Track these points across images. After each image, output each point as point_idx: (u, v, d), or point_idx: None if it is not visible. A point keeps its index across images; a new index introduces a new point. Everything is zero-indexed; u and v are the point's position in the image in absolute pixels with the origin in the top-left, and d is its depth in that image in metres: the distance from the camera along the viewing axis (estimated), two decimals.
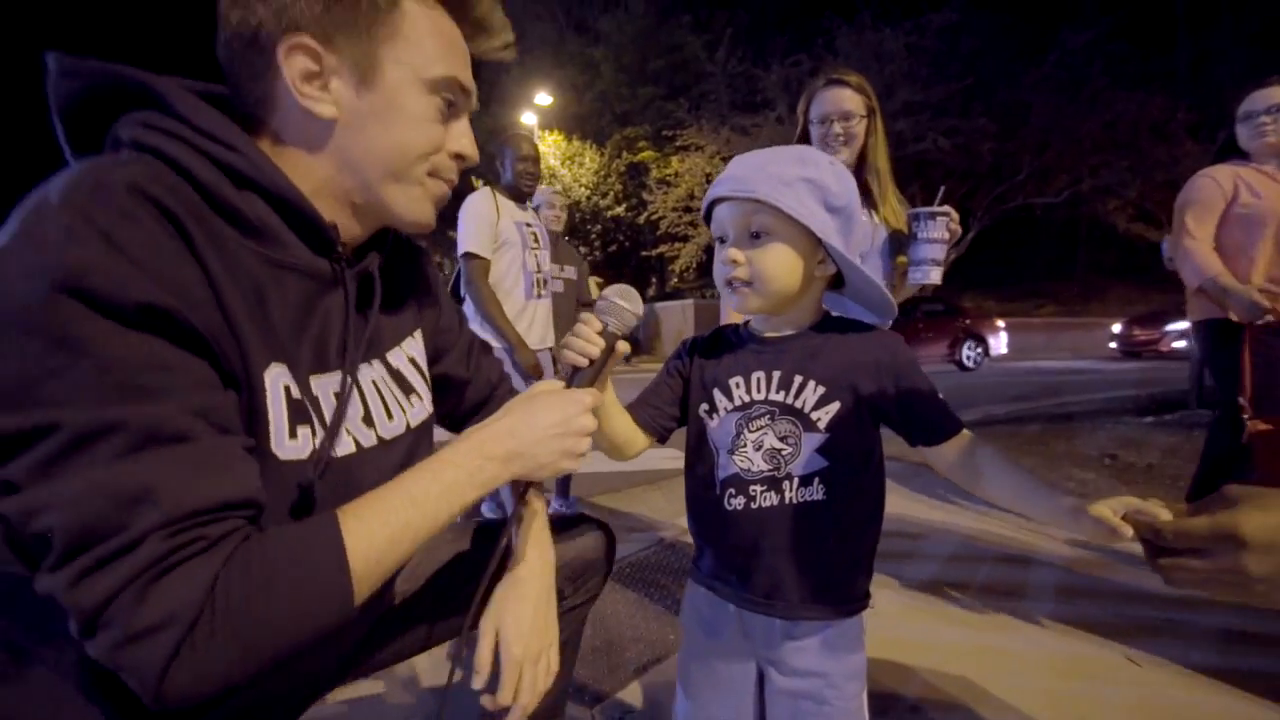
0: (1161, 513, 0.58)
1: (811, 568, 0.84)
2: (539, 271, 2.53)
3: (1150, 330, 11.86)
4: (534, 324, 2.50)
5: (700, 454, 0.91)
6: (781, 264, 0.82)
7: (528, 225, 2.51)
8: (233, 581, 0.49)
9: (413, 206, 0.68)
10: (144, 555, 0.46)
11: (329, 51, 0.60)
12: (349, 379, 0.66)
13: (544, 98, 17.82)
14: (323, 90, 0.61)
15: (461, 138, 0.69)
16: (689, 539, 2.56)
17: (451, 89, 0.66)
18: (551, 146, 18.78)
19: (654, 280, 20.41)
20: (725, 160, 14.12)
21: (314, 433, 0.61)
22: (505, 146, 2.53)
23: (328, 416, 0.63)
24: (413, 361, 0.79)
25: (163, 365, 0.48)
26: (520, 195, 2.53)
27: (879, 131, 1.60)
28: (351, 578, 0.54)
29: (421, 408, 0.79)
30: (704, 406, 0.90)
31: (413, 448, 0.75)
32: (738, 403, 0.87)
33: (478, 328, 2.34)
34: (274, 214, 0.59)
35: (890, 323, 1.28)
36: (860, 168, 1.60)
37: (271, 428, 0.58)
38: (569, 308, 2.95)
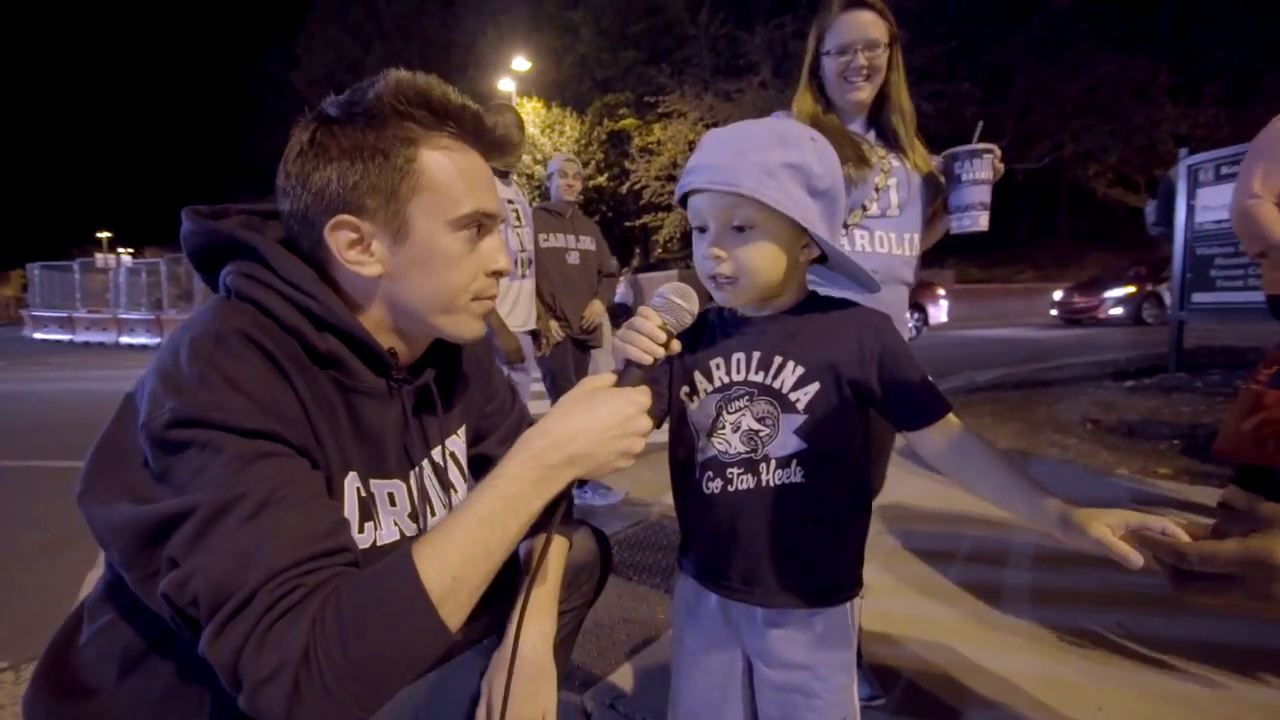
0: (1180, 534, 0.55)
1: (790, 554, 0.82)
2: (523, 250, 2.46)
3: (1089, 297, 11.76)
4: (518, 305, 2.44)
5: (681, 437, 0.89)
6: (767, 258, 0.79)
7: (510, 202, 2.42)
8: (327, 624, 0.55)
9: (461, 329, 0.77)
10: (257, 608, 0.54)
11: (365, 220, 0.70)
12: (407, 485, 0.78)
13: (521, 63, 17.27)
14: (365, 254, 0.71)
15: (496, 255, 0.77)
16: (669, 516, 2.64)
17: (477, 219, 0.74)
18: (531, 114, 18.31)
19: (637, 251, 20.21)
20: (708, 127, 13.94)
21: (377, 527, 0.74)
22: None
23: (381, 517, 0.75)
24: (453, 456, 0.87)
25: (273, 454, 0.61)
26: (503, 170, 2.43)
27: (900, 64, 1.39)
28: (432, 601, 0.58)
29: (458, 500, 0.85)
30: (685, 389, 0.88)
31: None
32: (717, 384, 0.85)
33: None
34: (344, 347, 0.71)
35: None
36: (882, 107, 1.41)
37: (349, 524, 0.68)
38: (588, 279, 2.86)
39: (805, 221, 0.77)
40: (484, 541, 0.63)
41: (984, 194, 1.36)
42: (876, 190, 1.36)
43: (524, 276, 2.47)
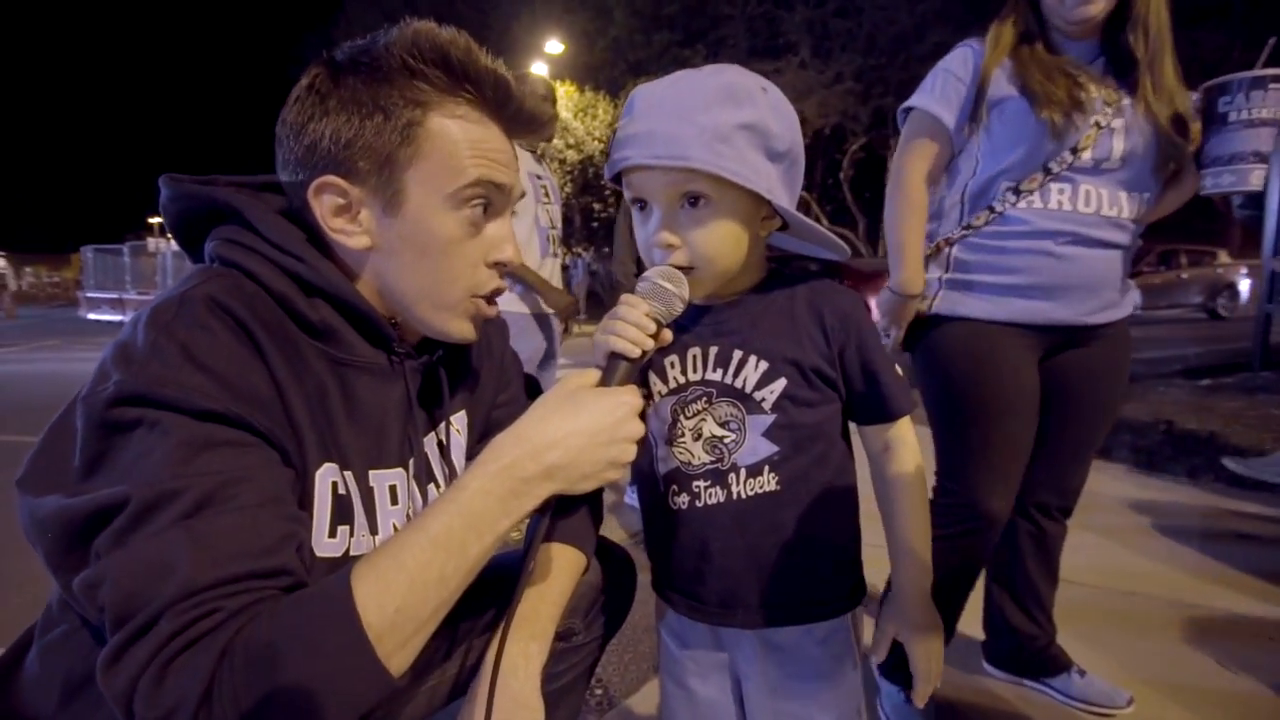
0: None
1: (772, 569, 0.75)
2: (553, 227, 2.39)
3: (1159, 287, 11.34)
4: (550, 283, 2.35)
5: (643, 448, 0.77)
6: (727, 239, 0.69)
7: (539, 178, 2.34)
8: (237, 659, 0.45)
9: (449, 327, 0.68)
10: (162, 632, 0.45)
11: (354, 184, 0.62)
12: (408, 474, 0.69)
13: (555, 45, 17.17)
14: (352, 222, 0.63)
15: (501, 244, 0.67)
16: None
17: (483, 190, 0.64)
18: (564, 98, 18.13)
19: None
20: None
21: (351, 533, 0.63)
22: None
23: (378, 511, 0.66)
24: (441, 447, 0.76)
25: (226, 443, 0.52)
26: (530, 148, 2.36)
27: None
28: (367, 636, 0.48)
29: (429, 498, 0.73)
30: (640, 392, 0.75)
31: None
32: (673, 385, 0.77)
33: None
34: (338, 316, 0.63)
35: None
36: (1120, 26, 1.10)
37: (314, 525, 0.60)
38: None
39: (768, 193, 0.67)
40: (437, 565, 0.52)
41: (1263, 139, 1.04)
42: (1097, 128, 1.12)
43: (554, 255, 2.38)
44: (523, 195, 0.73)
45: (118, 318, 15.77)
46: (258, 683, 0.45)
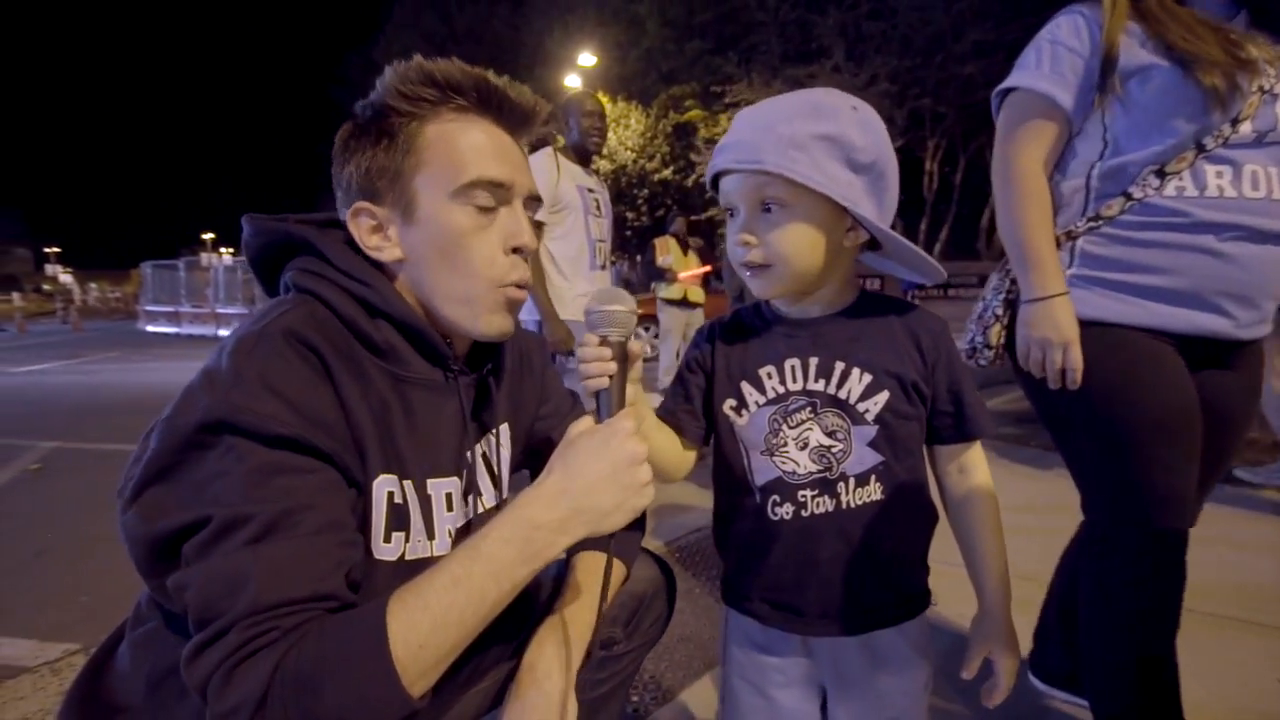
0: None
1: (874, 575, 0.77)
2: (601, 240, 2.41)
3: None
4: (581, 300, 2.36)
5: (729, 457, 0.81)
6: (801, 241, 0.72)
7: (590, 190, 2.38)
8: (288, 673, 0.53)
9: (482, 324, 0.72)
10: (229, 643, 0.53)
11: (380, 205, 0.69)
12: (462, 483, 0.73)
13: (587, 58, 17.37)
14: (385, 239, 0.70)
15: (516, 232, 0.71)
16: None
17: (483, 187, 0.69)
18: None
19: (703, 245, 19.93)
20: None
21: (407, 538, 0.68)
22: (569, 105, 2.42)
23: (435, 518, 0.70)
24: (485, 459, 0.80)
25: (294, 469, 0.58)
26: (586, 155, 2.42)
27: None
28: (395, 667, 0.54)
29: (478, 506, 0.78)
30: (730, 402, 0.80)
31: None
32: (771, 395, 0.78)
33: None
34: (399, 336, 0.69)
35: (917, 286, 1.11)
36: None
37: (372, 531, 0.65)
38: None
39: (844, 199, 0.70)
40: (457, 608, 0.57)
41: None
42: (1260, 92, 0.94)
43: (603, 267, 2.41)
44: (537, 200, 0.76)
45: (173, 330, 16.52)
46: (303, 695, 0.53)
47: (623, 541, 0.80)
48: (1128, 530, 1.04)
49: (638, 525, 0.85)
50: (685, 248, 4.82)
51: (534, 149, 2.33)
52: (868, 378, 0.75)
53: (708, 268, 4.90)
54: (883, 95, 13.30)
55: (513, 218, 0.72)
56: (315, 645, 0.54)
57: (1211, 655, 1.49)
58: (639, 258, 13.09)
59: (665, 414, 0.85)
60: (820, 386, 0.76)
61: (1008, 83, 1.12)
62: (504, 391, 0.83)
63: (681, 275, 4.45)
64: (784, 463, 0.76)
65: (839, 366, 0.76)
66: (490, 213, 0.70)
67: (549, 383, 0.91)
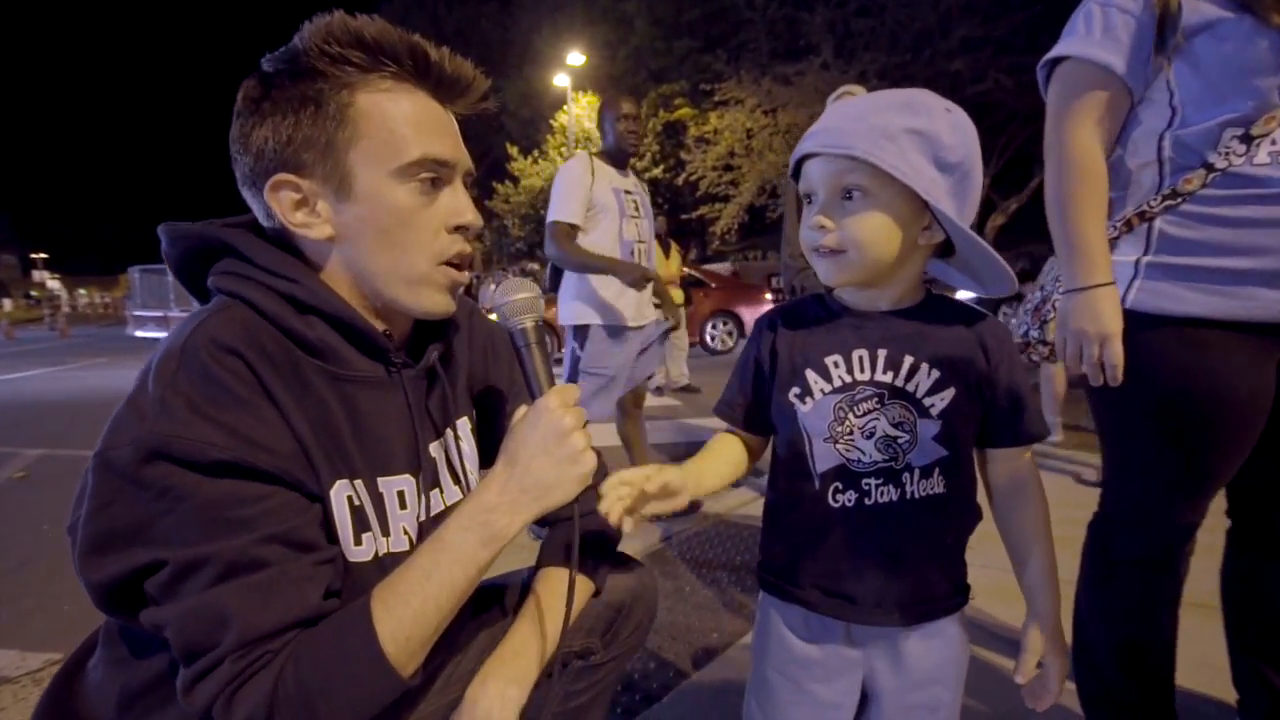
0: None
1: (928, 566, 0.79)
2: (640, 241, 2.39)
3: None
4: (624, 294, 2.33)
5: (790, 444, 0.81)
6: (878, 230, 0.72)
7: (628, 193, 2.36)
8: (289, 686, 0.55)
9: (425, 302, 0.69)
10: (225, 673, 0.55)
11: (305, 177, 0.64)
12: (417, 480, 0.72)
13: (576, 57, 17.30)
14: (312, 214, 0.65)
15: (459, 210, 0.69)
16: (731, 515, 2.52)
17: (427, 167, 0.66)
18: (586, 108, 18.30)
19: (694, 244, 19.92)
20: (766, 114, 13.52)
21: (375, 538, 0.67)
22: (604, 109, 2.43)
23: (389, 516, 0.69)
24: (459, 443, 0.80)
25: (242, 501, 0.56)
26: (623, 158, 2.41)
27: None
28: (391, 664, 0.58)
29: (438, 502, 0.77)
30: (794, 390, 0.80)
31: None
32: (837, 384, 0.78)
33: (575, 292, 2.28)
34: (333, 332, 0.66)
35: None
36: None
37: (341, 538, 0.64)
38: None
39: (927, 194, 0.70)
40: (433, 598, 0.61)
41: None
42: None
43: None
44: (472, 175, 0.75)
45: (162, 335, 16.27)
46: (312, 701, 0.56)
47: (588, 559, 0.81)
48: (1152, 524, 1.03)
49: (610, 539, 0.84)
50: (667, 249, 4.80)
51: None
52: (936, 373, 0.76)
53: (685, 270, 4.87)
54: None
55: (455, 196, 0.69)
56: (311, 658, 0.57)
57: (1208, 644, 1.50)
58: None
59: (724, 407, 0.87)
60: (888, 379, 0.76)
61: (1056, 51, 1.02)
62: (460, 385, 0.81)
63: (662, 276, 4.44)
64: (848, 450, 0.77)
65: (908, 360, 0.76)
66: (433, 191, 0.67)
67: (497, 342, 0.89)
